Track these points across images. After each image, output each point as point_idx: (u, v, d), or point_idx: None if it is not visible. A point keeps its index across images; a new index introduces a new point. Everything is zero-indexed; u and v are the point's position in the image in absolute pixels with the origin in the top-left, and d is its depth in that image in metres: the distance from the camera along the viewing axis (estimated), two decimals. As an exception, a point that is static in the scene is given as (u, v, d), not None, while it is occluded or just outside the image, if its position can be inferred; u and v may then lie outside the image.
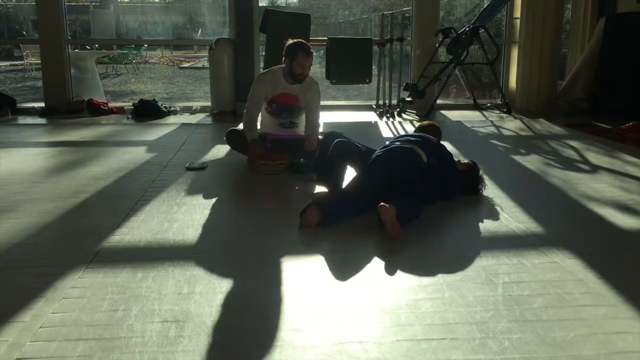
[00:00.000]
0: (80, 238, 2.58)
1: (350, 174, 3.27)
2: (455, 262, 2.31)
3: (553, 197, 3.34)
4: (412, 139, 3.20)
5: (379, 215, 2.56)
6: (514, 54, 7.13)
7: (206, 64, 9.30)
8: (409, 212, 2.70)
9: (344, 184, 3.19)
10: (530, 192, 3.42)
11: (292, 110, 3.88)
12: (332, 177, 3.22)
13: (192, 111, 6.70)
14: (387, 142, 3.26)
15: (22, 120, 6.17)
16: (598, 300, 1.98)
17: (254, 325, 1.80)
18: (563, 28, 7.13)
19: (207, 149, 4.57)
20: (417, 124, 3.68)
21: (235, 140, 4.00)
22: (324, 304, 1.95)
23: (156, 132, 5.41)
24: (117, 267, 2.23)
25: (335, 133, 3.50)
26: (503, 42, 7.30)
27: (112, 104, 6.91)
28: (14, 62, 15.72)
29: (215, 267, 2.24)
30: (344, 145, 3.23)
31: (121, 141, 5.00)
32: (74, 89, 6.89)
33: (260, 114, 3.94)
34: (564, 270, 2.23)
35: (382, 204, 2.57)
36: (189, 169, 3.87)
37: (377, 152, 3.16)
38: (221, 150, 4.47)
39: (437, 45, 6.85)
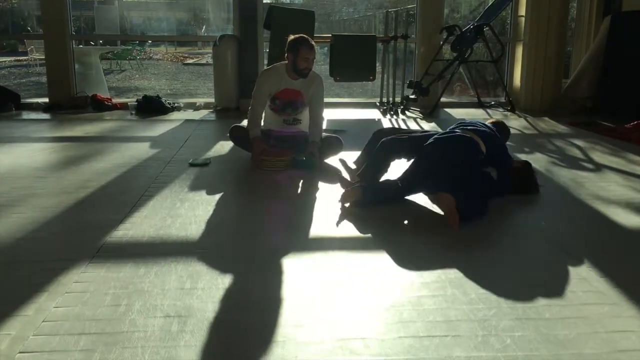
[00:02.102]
0: (84, 233, 2.58)
1: (393, 170, 3.25)
2: (458, 260, 2.31)
3: (557, 195, 3.32)
4: (473, 127, 3.10)
5: (438, 203, 2.53)
6: (519, 52, 7.11)
7: (210, 61, 9.30)
8: (471, 209, 2.70)
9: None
10: (533, 191, 3.41)
11: (295, 105, 3.87)
12: (375, 176, 3.21)
13: (195, 107, 6.71)
14: (448, 129, 3.20)
15: (26, 115, 6.19)
16: (601, 298, 1.97)
17: (256, 321, 1.80)
18: (568, 26, 7.10)
19: (211, 145, 4.57)
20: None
21: (238, 136, 4.00)
22: (326, 301, 1.95)
23: (160, 128, 5.42)
24: (120, 262, 2.24)
25: (383, 130, 3.45)
26: (507, 40, 7.28)
27: (115, 100, 6.93)
28: (18, 58, 15.76)
29: (218, 263, 2.25)
30: (387, 145, 3.20)
31: (125, 137, 5.01)
32: (78, 85, 6.91)
33: (264, 111, 3.94)
34: (567, 268, 2.23)
35: (441, 192, 2.55)
36: (192, 165, 3.88)
37: (435, 135, 3.08)
38: (225, 146, 4.48)
39: (441, 42, 6.84)
